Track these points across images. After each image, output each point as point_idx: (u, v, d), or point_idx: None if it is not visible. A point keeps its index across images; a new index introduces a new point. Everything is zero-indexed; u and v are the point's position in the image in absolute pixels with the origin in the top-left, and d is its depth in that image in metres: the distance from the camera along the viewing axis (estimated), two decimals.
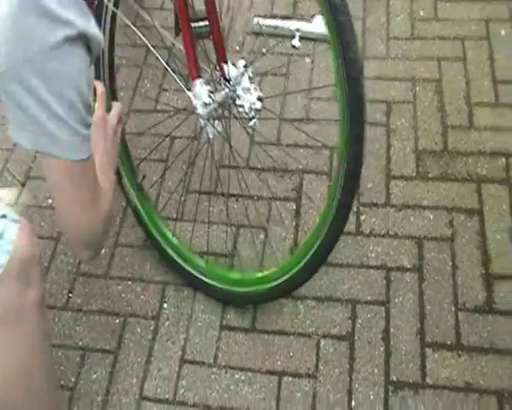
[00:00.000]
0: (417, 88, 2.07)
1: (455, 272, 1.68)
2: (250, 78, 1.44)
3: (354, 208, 1.84)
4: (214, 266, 1.70)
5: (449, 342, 1.55)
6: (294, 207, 1.86)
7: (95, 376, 1.61)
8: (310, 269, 1.47)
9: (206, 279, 1.68)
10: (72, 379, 1.61)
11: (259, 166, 1.95)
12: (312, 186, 1.90)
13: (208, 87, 1.43)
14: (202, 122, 1.46)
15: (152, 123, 2.04)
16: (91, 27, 0.93)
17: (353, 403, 1.50)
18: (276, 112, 2.03)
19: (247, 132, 1.75)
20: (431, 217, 1.80)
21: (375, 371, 1.54)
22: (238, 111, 1.47)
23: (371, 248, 1.76)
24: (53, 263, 1.82)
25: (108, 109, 1.32)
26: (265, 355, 1.61)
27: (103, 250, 1.81)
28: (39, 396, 1.19)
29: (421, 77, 2.09)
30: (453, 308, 1.61)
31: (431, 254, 1.73)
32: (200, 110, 1.43)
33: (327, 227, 1.36)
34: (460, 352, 1.53)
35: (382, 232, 1.79)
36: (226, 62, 1.46)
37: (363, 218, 1.83)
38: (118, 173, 1.65)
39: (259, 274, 1.60)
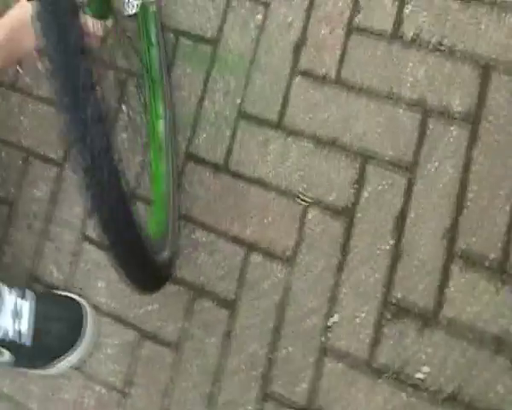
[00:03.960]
0: None
1: None
2: None
3: None
4: None
5: (488, 259, 1.05)
6: None
7: (37, 193, 1.27)
8: None
9: None
10: (12, 190, 1.29)
11: None
12: None
13: None
14: None
15: None
16: None
17: (333, 319, 1.09)
18: None
19: None
20: None
21: (371, 279, 1.09)
22: None
23: (408, 69, 1.15)
24: None
25: None
26: (234, 212, 1.15)
27: None
28: None
29: None
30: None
31: (498, 90, 1.11)
32: None
33: None
34: (503, 277, 1.04)
35: (432, 41, 1.15)
36: None
37: (408, 8, 1.17)
38: None
39: None
